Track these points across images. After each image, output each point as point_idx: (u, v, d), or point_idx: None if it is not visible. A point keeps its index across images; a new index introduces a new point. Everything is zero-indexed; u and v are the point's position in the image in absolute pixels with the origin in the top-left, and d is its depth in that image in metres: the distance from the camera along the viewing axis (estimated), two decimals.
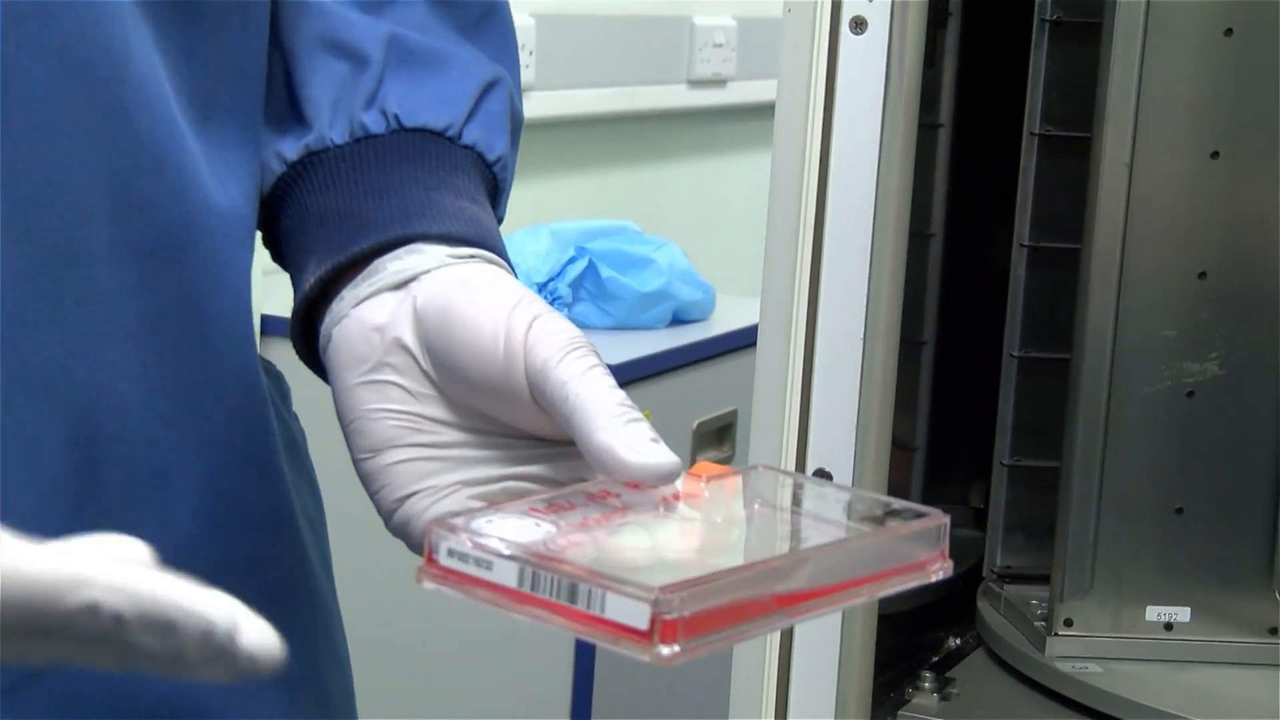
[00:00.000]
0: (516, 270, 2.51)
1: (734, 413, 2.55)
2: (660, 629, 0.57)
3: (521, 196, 3.07)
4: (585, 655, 2.30)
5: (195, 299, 0.77)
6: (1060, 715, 1.20)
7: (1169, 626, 1.23)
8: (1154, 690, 1.19)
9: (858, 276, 1.20)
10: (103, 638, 0.51)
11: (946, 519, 0.66)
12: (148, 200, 0.74)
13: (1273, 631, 1.24)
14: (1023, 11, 1.28)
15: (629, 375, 2.35)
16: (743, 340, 2.52)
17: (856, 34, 1.15)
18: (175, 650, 0.51)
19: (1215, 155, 1.20)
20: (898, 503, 0.69)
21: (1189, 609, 1.23)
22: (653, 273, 2.52)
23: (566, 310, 2.46)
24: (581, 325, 2.48)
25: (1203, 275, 1.21)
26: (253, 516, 0.81)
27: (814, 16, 1.15)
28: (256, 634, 0.52)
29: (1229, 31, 1.18)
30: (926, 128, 1.31)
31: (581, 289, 2.49)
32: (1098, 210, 1.20)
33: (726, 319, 2.60)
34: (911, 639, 1.33)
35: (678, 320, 2.58)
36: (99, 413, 0.73)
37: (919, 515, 0.67)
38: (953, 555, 1.47)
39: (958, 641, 1.34)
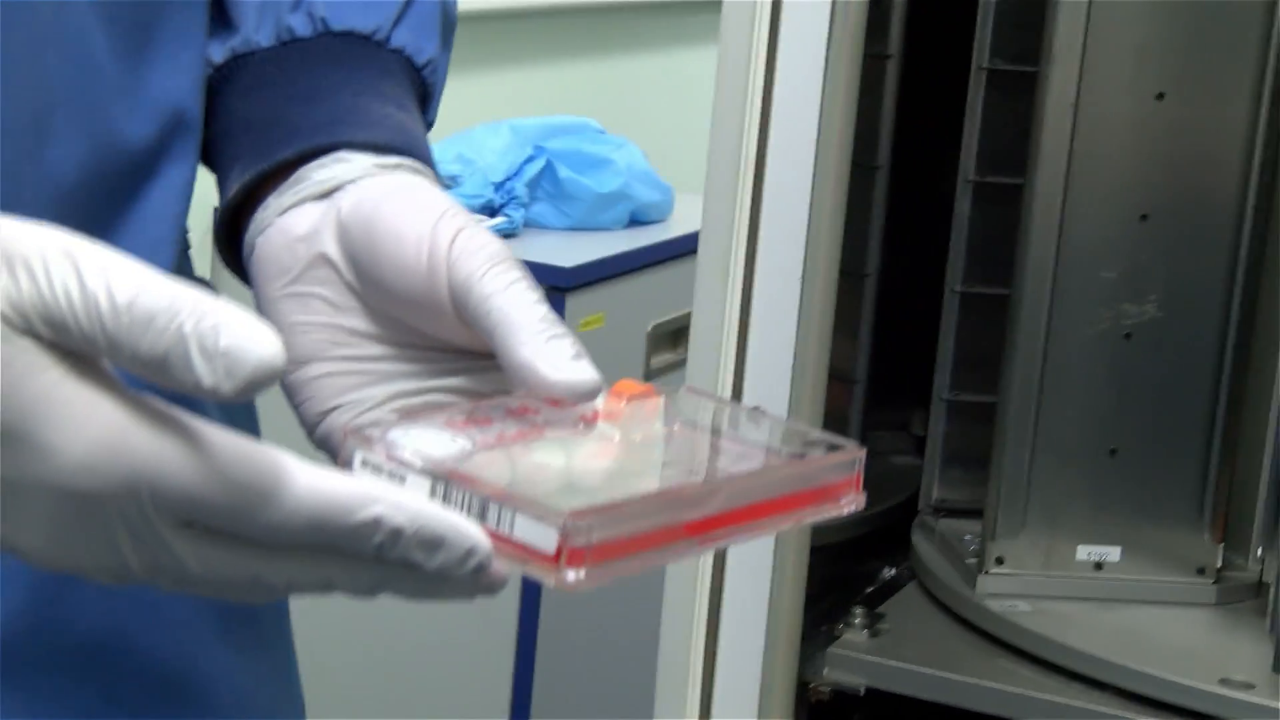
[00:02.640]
0: (474, 167, 2.47)
1: (689, 315, 2.54)
2: (568, 554, 0.57)
3: (481, 89, 3.05)
4: (526, 655, 2.31)
5: (106, 238, 0.77)
6: (988, 654, 1.21)
7: (1099, 565, 1.24)
8: (1081, 631, 1.20)
9: (799, 210, 1.20)
10: (376, 554, 0.56)
11: (862, 452, 0.66)
12: (62, 141, 0.74)
13: (1200, 571, 1.25)
14: None
15: (585, 278, 2.35)
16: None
17: None
18: (441, 565, 0.57)
19: (1161, 97, 1.19)
20: (816, 433, 0.68)
21: (1119, 548, 1.24)
22: (611, 173, 2.51)
23: (524, 210, 2.44)
24: (538, 225, 2.49)
25: (1144, 218, 1.21)
26: None
27: None
28: (500, 563, 0.58)
29: None
30: (875, 59, 1.30)
31: (539, 189, 2.48)
32: (1042, 150, 1.20)
33: (685, 220, 2.59)
34: (846, 569, 1.34)
35: (635, 221, 2.57)
36: None
37: (836, 447, 0.67)
38: (891, 483, 1.48)
39: (892, 572, 1.34)
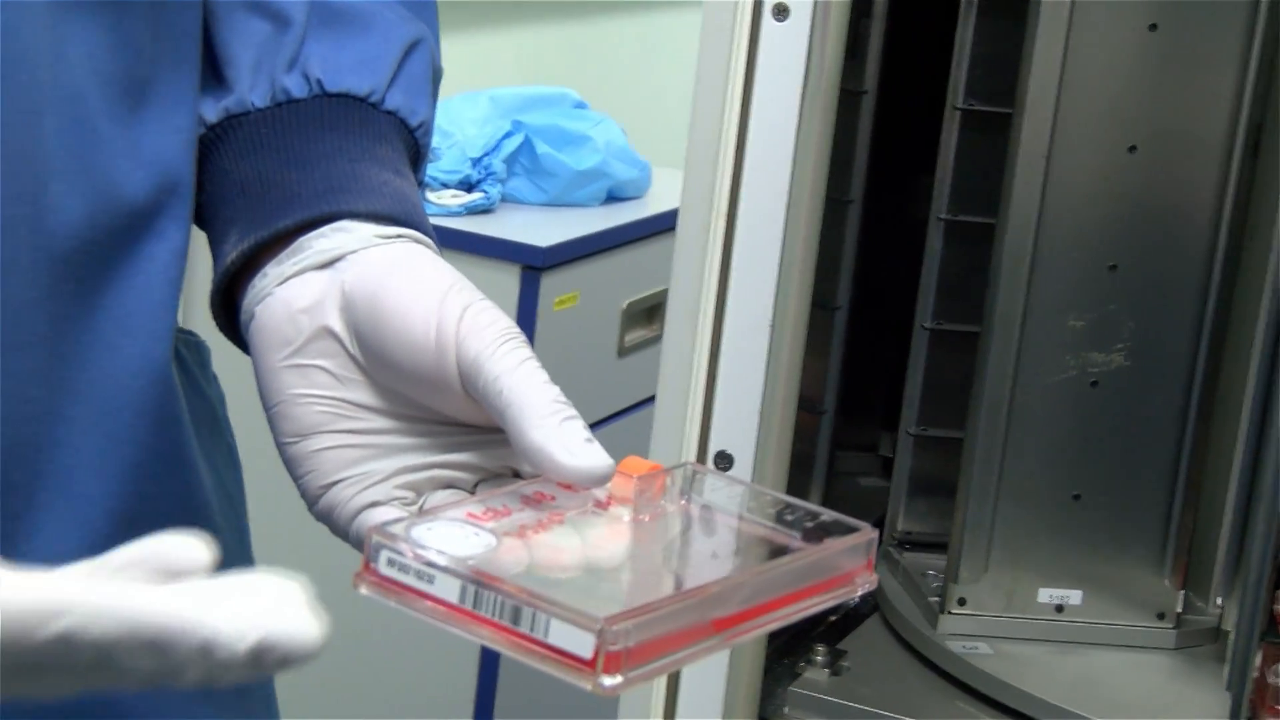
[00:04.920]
0: (452, 140, 2.45)
1: (664, 292, 2.54)
2: (605, 659, 0.57)
3: (460, 55, 3.04)
4: (490, 654, 2.31)
5: (103, 300, 0.77)
6: (947, 695, 1.22)
7: (1060, 608, 1.25)
8: (1039, 676, 1.21)
9: (772, 241, 1.20)
10: (85, 666, 0.50)
11: (874, 534, 0.67)
12: (60, 205, 0.73)
13: (1161, 616, 1.26)
14: None
15: (560, 257, 2.35)
16: (675, 220, 2.51)
17: (779, 20, 1.13)
18: (173, 666, 0.50)
19: (1133, 150, 1.19)
20: (826, 513, 0.69)
21: (1080, 592, 1.25)
22: (589, 150, 2.50)
23: (500, 186, 2.44)
24: (515, 201, 2.48)
25: (1113, 268, 1.21)
26: (164, 510, 0.81)
27: (736, 1, 1.13)
28: (281, 632, 0.51)
29: (1153, 26, 1.17)
30: (850, 94, 1.30)
31: (516, 164, 2.47)
32: (1013, 197, 1.20)
33: (661, 197, 2.59)
34: None
35: (612, 197, 2.56)
36: (5, 419, 0.73)
37: (848, 529, 0.67)
38: (859, 505, 1.49)
39: (855, 600, 1.35)
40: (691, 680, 1.23)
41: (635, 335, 2.54)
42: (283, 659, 0.51)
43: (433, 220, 0.81)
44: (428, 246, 0.77)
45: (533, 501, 0.67)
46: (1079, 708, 1.18)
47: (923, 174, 1.31)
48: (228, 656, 0.50)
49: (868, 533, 0.67)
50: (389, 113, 0.81)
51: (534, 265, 2.31)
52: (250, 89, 0.80)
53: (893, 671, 1.25)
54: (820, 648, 1.25)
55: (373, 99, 0.81)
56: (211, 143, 0.80)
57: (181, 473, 0.82)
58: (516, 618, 0.59)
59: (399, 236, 0.76)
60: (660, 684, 1.23)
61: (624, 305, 2.51)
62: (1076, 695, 1.19)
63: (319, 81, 0.80)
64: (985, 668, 1.21)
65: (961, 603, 1.25)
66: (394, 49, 0.82)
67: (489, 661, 2.30)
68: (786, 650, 1.27)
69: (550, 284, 2.34)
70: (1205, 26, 1.17)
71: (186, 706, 0.83)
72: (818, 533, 0.68)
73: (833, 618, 1.33)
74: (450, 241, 2.16)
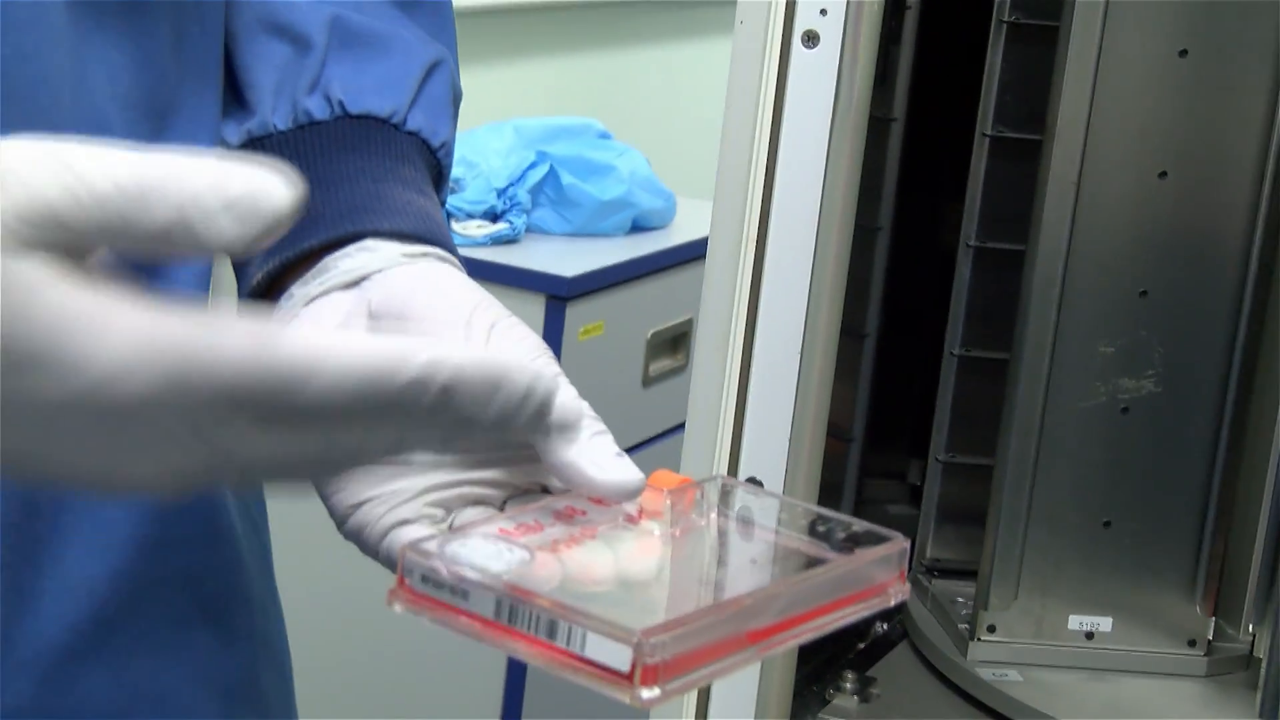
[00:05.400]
0: (477, 170, 2.47)
1: (689, 322, 2.55)
2: (642, 671, 0.58)
3: (484, 85, 3.05)
4: None
5: None
6: None
7: (1090, 635, 1.25)
8: (1070, 703, 1.20)
9: (801, 270, 1.20)
10: (424, 412, 0.55)
11: (906, 543, 0.67)
12: None
13: (1192, 643, 1.25)
14: (980, 13, 1.27)
15: (585, 287, 2.35)
16: (701, 250, 2.50)
17: (808, 47, 1.14)
18: (499, 412, 0.57)
19: (1163, 175, 1.19)
20: (858, 523, 0.69)
21: (1111, 619, 1.25)
22: (613, 180, 2.51)
23: (526, 216, 2.45)
24: (540, 231, 2.49)
25: (1144, 294, 1.21)
26: (189, 535, 0.82)
27: (766, 28, 1.13)
28: (563, 395, 0.63)
29: (1183, 52, 1.17)
30: (879, 122, 1.30)
31: (541, 194, 2.48)
32: (1043, 223, 1.20)
33: (686, 227, 2.60)
34: None
35: (637, 227, 2.57)
36: None
37: (879, 538, 0.68)
38: None
39: (884, 627, 1.35)
40: (721, 701, 1.22)
41: (660, 365, 2.54)
42: (549, 426, 0.64)
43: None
44: (453, 265, 0.78)
45: (564, 517, 0.68)
46: None
47: (952, 201, 1.31)
48: (540, 403, 0.58)
49: (899, 542, 0.67)
50: (411, 133, 0.82)
51: (559, 295, 2.32)
52: (272, 111, 0.81)
53: (922, 699, 1.25)
54: (850, 675, 1.24)
55: (394, 120, 0.81)
56: None
57: (206, 499, 0.82)
58: (553, 632, 0.59)
59: (424, 255, 0.77)
60: (690, 706, 1.23)
61: (649, 335, 2.52)
62: None
63: (341, 103, 0.81)
64: (1015, 695, 1.21)
65: (991, 630, 1.24)
66: (414, 70, 0.83)
67: (516, 663, 2.31)
68: (815, 677, 1.26)
69: (575, 314, 2.35)
70: (1236, 52, 1.17)
71: (200, 706, 0.83)
72: (850, 543, 0.68)
73: (861, 644, 1.33)
74: (475, 272, 2.15)
